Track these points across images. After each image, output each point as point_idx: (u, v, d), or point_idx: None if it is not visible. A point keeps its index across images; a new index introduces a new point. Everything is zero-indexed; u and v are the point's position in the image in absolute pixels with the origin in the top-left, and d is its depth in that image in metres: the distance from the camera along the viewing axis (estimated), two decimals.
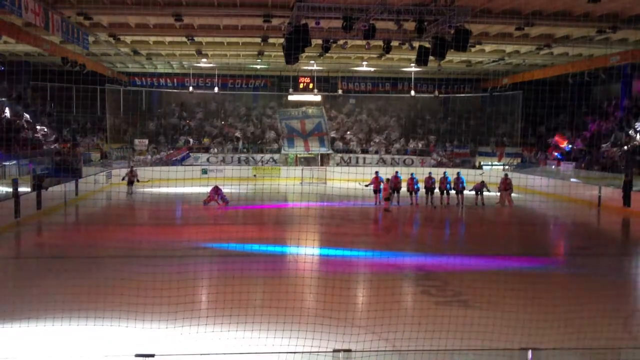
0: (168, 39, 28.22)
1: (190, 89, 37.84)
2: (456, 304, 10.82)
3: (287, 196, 28.03)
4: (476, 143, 37.49)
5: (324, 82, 39.36)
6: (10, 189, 19.06)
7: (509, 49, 29.37)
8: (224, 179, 30.55)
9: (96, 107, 36.53)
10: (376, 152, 37.32)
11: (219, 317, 8.67)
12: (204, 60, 33.63)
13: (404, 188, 24.25)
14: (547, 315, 9.86)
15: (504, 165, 34.60)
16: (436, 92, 39.04)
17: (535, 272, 13.19)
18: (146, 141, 36.14)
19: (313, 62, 33.30)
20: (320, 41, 23.29)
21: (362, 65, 35.21)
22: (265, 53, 31.11)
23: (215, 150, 36.46)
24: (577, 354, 7.58)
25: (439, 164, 34.79)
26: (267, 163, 35.94)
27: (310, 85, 38.37)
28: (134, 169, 27.63)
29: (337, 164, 35.78)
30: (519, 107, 35.33)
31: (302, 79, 38.43)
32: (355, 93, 41.10)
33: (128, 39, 27.69)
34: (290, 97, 38.87)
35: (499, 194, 24.84)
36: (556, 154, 32.28)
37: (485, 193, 24.42)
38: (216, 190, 23.18)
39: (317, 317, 8.57)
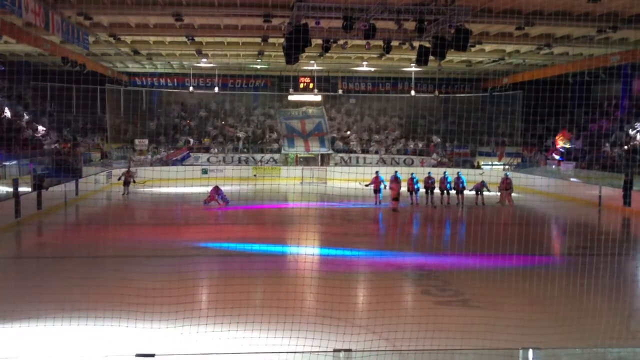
0: (168, 38, 28.22)
1: (191, 89, 37.84)
2: (456, 303, 10.82)
3: (287, 196, 28.03)
4: (476, 143, 37.47)
5: (324, 82, 39.36)
6: (10, 189, 19.06)
7: (509, 48, 29.37)
8: (224, 178, 30.55)
9: (96, 107, 36.53)
10: (376, 152, 37.32)
11: (220, 317, 8.67)
12: (204, 60, 33.62)
13: (403, 188, 24.25)
14: (547, 314, 9.87)
15: (504, 165, 34.59)
16: (436, 92, 39.05)
17: (535, 271, 13.18)
18: (146, 141, 36.14)
19: (313, 62, 33.29)
20: (320, 41, 23.28)
21: (362, 65, 35.20)
22: (266, 53, 31.10)
23: (216, 150, 36.46)
24: (578, 353, 7.56)
25: (439, 164, 34.79)
26: (267, 163, 35.95)
27: (311, 85, 38.36)
28: (131, 169, 27.55)
29: (336, 164, 35.74)
30: (519, 107, 35.31)
31: (302, 79, 38.42)
32: (355, 93, 41.11)
33: (128, 39, 27.69)
34: (291, 97, 38.86)
35: (499, 193, 24.85)
36: (557, 157, 32.21)
37: (486, 193, 24.42)
38: (216, 190, 23.19)
39: (318, 316, 8.57)
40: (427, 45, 21.84)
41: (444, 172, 25.18)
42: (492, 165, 34.63)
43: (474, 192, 24.52)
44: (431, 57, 21.84)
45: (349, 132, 39.42)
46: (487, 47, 28.91)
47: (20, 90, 32.48)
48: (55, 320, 8.73)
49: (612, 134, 29.71)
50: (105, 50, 30.92)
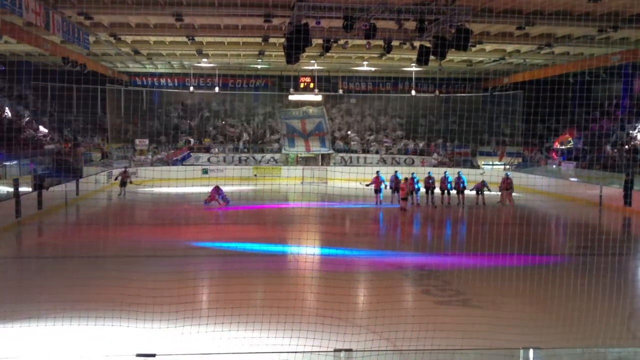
0: (169, 38, 28.22)
1: (191, 88, 37.84)
2: (457, 303, 10.81)
3: (287, 196, 28.02)
4: (477, 143, 37.46)
5: (324, 82, 39.37)
6: (11, 189, 19.06)
7: (509, 48, 29.36)
8: (225, 178, 30.56)
9: (97, 107, 36.56)
10: (377, 152, 37.31)
11: (220, 316, 8.66)
12: (205, 60, 33.63)
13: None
14: (548, 314, 9.86)
15: (504, 164, 34.58)
16: (437, 92, 39.04)
17: (536, 271, 13.18)
18: (147, 141, 36.16)
19: (314, 61, 33.30)
20: (320, 41, 23.27)
21: (362, 65, 35.21)
22: (266, 53, 31.11)
23: (216, 150, 36.46)
24: (579, 353, 7.56)
25: (440, 164, 34.79)
26: (267, 163, 35.95)
27: (311, 85, 38.35)
28: (128, 169, 27.46)
29: (335, 163, 35.71)
30: (520, 107, 35.30)
31: (302, 79, 38.42)
32: (356, 93, 41.11)
33: (129, 38, 27.69)
34: (291, 97, 38.86)
35: (499, 193, 24.84)
36: (560, 157, 32.18)
37: (486, 192, 24.42)
38: (217, 190, 23.19)
39: (318, 316, 8.56)
40: (428, 45, 21.84)
41: (445, 172, 25.18)
42: (492, 165, 34.61)
43: (474, 192, 24.52)
44: (432, 57, 21.83)
45: (349, 132, 39.42)
46: (488, 47, 28.91)
47: (20, 90, 32.49)
48: (55, 320, 8.73)
49: (613, 133, 29.69)
50: (105, 50, 30.94)
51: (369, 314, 9.55)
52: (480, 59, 32.57)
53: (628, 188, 22.58)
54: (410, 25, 20.88)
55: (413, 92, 38.46)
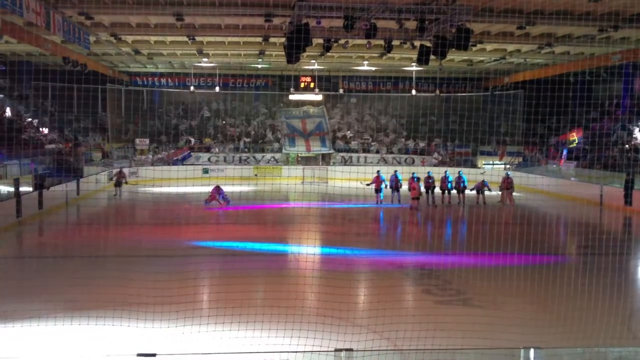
0: (169, 38, 28.22)
1: (192, 88, 37.84)
2: (457, 302, 10.81)
3: (288, 195, 28.03)
4: (477, 142, 37.45)
5: (325, 82, 39.35)
6: (12, 189, 19.07)
7: (510, 48, 29.34)
8: (225, 178, 30.57)
9: (97, 106, 36.56)
10: (377, 152, 37.30)
11: (221, 316, 8.66)
12: (205, 59, 33.63)
13: (405, 187, 24.28)
14: (548, 314, 9.86)
15: (505, 164, 34.57)
16: (437, 92, 39.00)
17: (536, 270, 13.18)
18: (147, 140, 36.16)
19: (314, 61, 33.29)
20: (321, 40, 23.26)
21: (363, 65, 35.20)
22: (267, 52, 31.11)
23: (217, 149, 36.47)
24: (579, 353, 7.55)
25: (440, 163, 34.78)
26: (268, 162, 35.95)
27: (312, 85, 38.35)
28: (123, 170, 27.31)
29: (335, 163, 35.70)
30: (521, 106, 35.29)
31: (303, 79, 38.43)
32: (356, 92, 41.11)
33: (129, 38, 27.69)
34: (292, 97, 38.86)
35: (500, 193, 24.83)
36: (560, 156, 32.15)
37: (487, 192, 24.41)
38: (217, 189, 23.18)
39: (319, 316, 8.56)
40: (428, 44, 21.84)
41: (445, 172, 25.18)
42: (493, 164, 34.60)
43: (475, 192, 24.51)
44: (432, 57, 21.81)
45: (349, 132, 39.41)
46: (488, 47, 28.89)
47: (21, 90, 32.50)
48: (56, 320, 8.73)
49: (614, 133, 29.68)
50: (106, 50, 30.94)
51: (370, 313, 9.55)
52: (481, 58, 32.55)
53: (628, 187, 22.56)
54: (411, 24, 20.87)
55: (413, 92, 38.44)
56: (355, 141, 38.29)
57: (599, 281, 11.42)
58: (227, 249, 15.59)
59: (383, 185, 24.26)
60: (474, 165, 35.31)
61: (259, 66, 37.22)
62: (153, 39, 28.19)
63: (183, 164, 34.24)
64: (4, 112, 27.80)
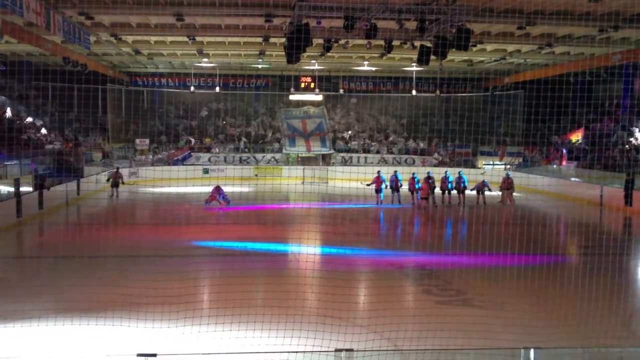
0: (169, 38, 28.24)
1: (192, 88, 37.85)
2: (458, 303, 10.80)
3: (288, 196, 28.03)
4: (478, 142, 37.45)
5: (325, 82, 39.38)
6: (12, 189, 19.07)
7: (510, 48, 29.35)
8: (226, 178, 30.51)
9: (98, 106, 36.55)
10: (377, 152, 37.30)
11: (221, 316, 8.66)
12: (205, 59, 33.64)
13: (405, 187, 24.29)
14: (549, 314, 9.85)
15: (505, 164, 34.57)
16: (437, 92, 39.03)
17: (537, 271, 13.17)
18: (147, 141, 36.16)
19: (314, 61, 33.30)
20: (321, 41, 23.26)
21: (363, 65, 35.20)
22: (267, 52, 31.12)
23: (217, 149, 36.47)
24: (579, 353, 7.56)
25: (441, 164, 34.78)
26: (268, 163, 35.95)
27: (312, 85, 38.37)
28: (119, 170, 27.08)
29: (335, 163, 35.70)
30: (521, 107, 35.29)
31: (303, 79, 38.43)
32: (356, 93, 41.11)
33: (129, 38, 27.70)
34: (292, 97, 38.87)
35: (500, 193, 24.83)
36: (564, 150, 32.14)
37: (487, 192, 24.41)
38: (218, 189, 23.17)
39: (319, 316, 8.57)
40: (429, 44, 21.84)
41: (445, 172, 25.18)
42: (493, 164, 34.59)
43: (475, 192, 24.51)
44: (432, 57, 21.83)
45: (349, 132, 39.42)
46: (489, 47, 28.90)
47: (21, 90, 32.51)
48: (56, 320, 8.73)
49: (614, 133, 29.68)
50: (106, 50, 30.95)
51: (370, 313, 9.55)
52: (481, 58, 32.56)
53: (629, 188, 22.55)
54: (411, 25, 20.87)
55: (414, 92, 38.45)
56: (356, 141, 38.30)
57: (599, 281, 11.42)
58: (227, 249, 15.59)
59: (383, 186, 24.25)
60: (474, 166, 35.31)
61: (259, 66, 37.23)
62: (153, 39, 28.20)
63: (183, 164, 34.24)
64: (5, 112, 27.80)
